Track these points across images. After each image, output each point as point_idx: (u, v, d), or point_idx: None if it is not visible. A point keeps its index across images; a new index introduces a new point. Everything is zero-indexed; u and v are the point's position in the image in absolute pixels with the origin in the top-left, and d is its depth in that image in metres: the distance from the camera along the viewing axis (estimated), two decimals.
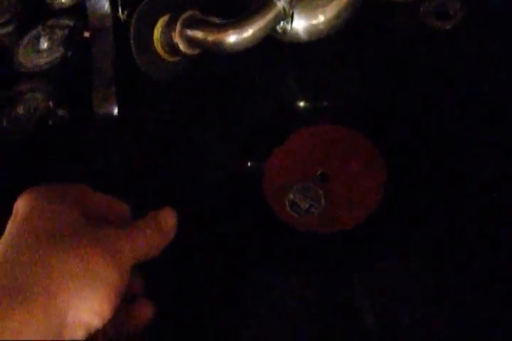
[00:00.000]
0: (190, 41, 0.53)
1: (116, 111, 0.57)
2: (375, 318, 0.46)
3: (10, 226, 0.38)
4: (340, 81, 0.58)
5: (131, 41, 0.54)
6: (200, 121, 0.57)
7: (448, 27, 0.58)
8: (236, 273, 0.50)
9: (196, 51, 0.55)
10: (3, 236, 0.37)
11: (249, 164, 0.55)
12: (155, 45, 0.55)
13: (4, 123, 0.55)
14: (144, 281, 0.44)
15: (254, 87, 0.58)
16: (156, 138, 0.58)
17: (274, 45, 0.57)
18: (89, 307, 0.35)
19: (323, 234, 0.50)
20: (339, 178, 0.52)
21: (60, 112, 0.56)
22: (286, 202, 0.51)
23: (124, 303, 0.40)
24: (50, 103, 0.56)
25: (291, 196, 0.51)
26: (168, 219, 0.41)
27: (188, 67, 0.59)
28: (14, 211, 0.39)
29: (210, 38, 0.52)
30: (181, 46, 0.54)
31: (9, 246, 0.36)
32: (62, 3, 0.64)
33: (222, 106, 0.58)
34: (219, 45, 0.52)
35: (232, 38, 0.52)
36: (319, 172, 0.52)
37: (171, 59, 0.57)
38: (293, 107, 0.58)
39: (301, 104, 0.59)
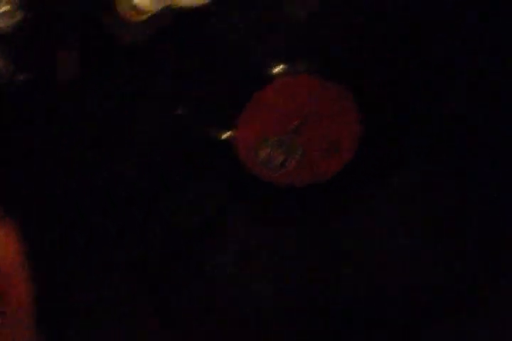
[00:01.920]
0: None
1: (79, 74, 0.55)
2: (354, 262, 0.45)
3: None
4: (313, 34, 0.55)
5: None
6: (165, 85, 0.55)
7: None
8: (212, 232, 0.48)
9: (159, 7, 0.53)
10: None
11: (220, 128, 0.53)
12: (117, 2, 0.53)
13: None
14: None
15: (223, 49, 0.56)
16: (121, 105, 0.56)
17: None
18: None
19: (300, 186, 0.48)
20: (314, 129, 0.50)
21: (21, 77, 0.54)
22: (261, 158, 0.49)
23: None
24: (11, 67, 0.54)
25: (266, 151, 0.49)
26: None
27: (156, 29, 0.57)
28: None
29: None
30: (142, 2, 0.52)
31: None
32: None
33: (188, 69, 0.56)
34: None
35: None
36: (294, 124, 0.50)
37: (135, 18, 0.54)
38: (265, 66, 0.56)
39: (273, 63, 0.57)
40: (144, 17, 0.54)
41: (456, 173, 0.48)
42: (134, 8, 0.53)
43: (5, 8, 0.57)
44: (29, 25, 0.58)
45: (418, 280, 0.48)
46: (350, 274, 0.48)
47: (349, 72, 0.52)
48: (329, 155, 0.49)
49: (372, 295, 0.47)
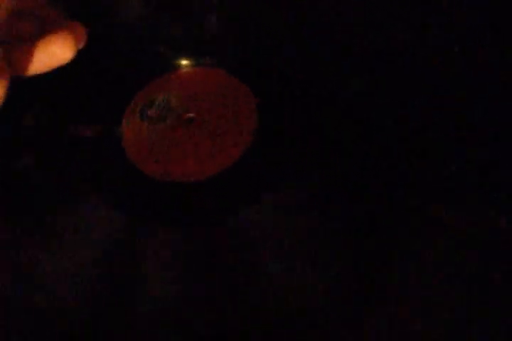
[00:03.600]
0: None
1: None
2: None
3: None
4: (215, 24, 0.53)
5: None
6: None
7: None
8: None
9: None
10: None
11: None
12: None
13: None
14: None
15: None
16: None
17: None
18: None
19: (185, 183, 0.46)
20: (206, 122, 0.48)
21: None
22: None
23: None
24: None
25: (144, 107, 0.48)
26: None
27: None
28: None
29: None
30: None
31: None
32: None
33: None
34: None
35: None
36: (186, 116, 0.49)
37: None
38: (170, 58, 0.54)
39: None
40: None
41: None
42: None
43: None
44: None
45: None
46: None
47: (255, 72, 0.51)
48: (219, 152, 0.47)
49: None
